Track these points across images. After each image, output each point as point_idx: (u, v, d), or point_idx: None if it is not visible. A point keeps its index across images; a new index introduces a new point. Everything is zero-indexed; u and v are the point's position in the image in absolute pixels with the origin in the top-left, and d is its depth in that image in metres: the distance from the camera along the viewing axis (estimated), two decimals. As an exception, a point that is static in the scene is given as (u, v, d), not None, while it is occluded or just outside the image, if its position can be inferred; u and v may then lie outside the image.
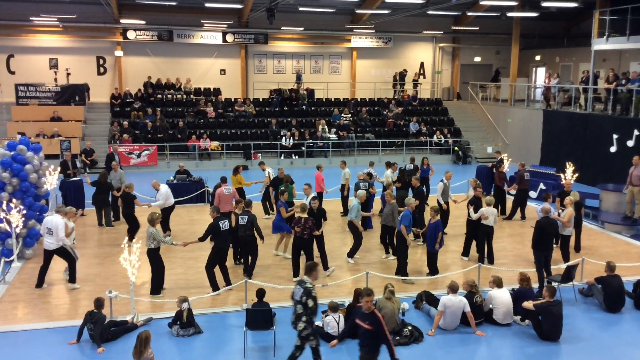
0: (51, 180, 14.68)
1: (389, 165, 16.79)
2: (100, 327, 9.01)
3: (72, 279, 11.35)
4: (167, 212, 14.45)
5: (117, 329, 9.32)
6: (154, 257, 10.81)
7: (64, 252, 11.17)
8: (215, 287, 10.90)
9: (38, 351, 8.88)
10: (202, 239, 11.08)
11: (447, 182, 14.88)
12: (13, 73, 27.80)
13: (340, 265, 12.71)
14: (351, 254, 13.01)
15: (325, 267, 12.13)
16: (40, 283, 11.24)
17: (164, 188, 14.46)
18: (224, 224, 10.95)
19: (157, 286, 10.94)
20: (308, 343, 7.93)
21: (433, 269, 12.00)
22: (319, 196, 16.12)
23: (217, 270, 11.07)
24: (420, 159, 18.32)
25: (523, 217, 16.97)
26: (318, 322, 9.51)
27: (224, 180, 14.17)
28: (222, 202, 13.32)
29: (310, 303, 7.66)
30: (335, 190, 17.47)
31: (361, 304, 7.30)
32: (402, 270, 11.81)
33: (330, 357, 8.80)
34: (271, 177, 16.31)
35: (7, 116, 25.20)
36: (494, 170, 17.89)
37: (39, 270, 11.30)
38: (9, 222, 11.93)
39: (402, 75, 32.58)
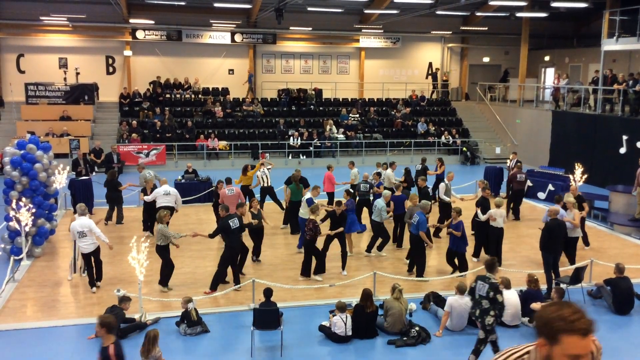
0: (60, 179, 14.77)
1: (387, 165, 16.99)
2: (118, 324, 9.06)
3: (98, 277, 11.23)
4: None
5: (126, 326, 9.36)
6: (163, 255, 10.93)
7: (97, 253, 11.10)
8: (214, 288, 10.90)
9: (47, 349, 8.93)
10: (211, 236, 11.16)
11: (448, 183, 14.92)
12: (23, 72, 27.98)
13: (348, 265, 12.68)
14: (380, 247, 13.24)
15: (343, 267, 12.24)
16: (92, 283, 11.14)
17: (160, 188, 14.18)
18: (234, 222, 10.93)
19: (165, 278, 11.10)
20: (490, 336, 8.19)
21: (463, 267, 12.00)
22: (330, 196, 16.26)
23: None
24: (435, 160, 18.43)
25: (517, 218, 16.81)
26: (325, 322, 9.53)
27: (228, 181, 14.28)
28: (226, 203, 13.32)
29: (500, 298, 8.03)
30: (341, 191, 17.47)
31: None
32: (421, 271, 11.89)
33: (338, 358, 8.82)
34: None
35: (17, 115, 25.37)
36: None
37: (87, 273, 11.20)
38: (18, 221, 12.00)
39: (435, 75, 32.93)
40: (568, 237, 12.42)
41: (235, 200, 13.50)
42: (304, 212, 13.23)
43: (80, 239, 10.94)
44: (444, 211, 14.50)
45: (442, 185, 14.85)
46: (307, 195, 13.57)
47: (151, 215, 14.12)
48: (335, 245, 12.12)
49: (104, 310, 9.38)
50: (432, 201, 16.18)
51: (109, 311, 9.22)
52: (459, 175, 17.31)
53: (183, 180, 18.49)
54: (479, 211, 12.94)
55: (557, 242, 11.23)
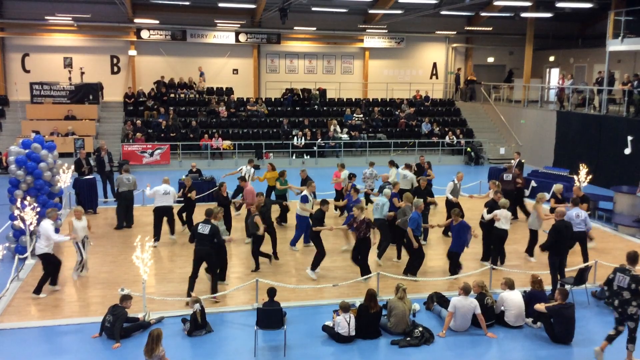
0: (65, 178, 14.80)
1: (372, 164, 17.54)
2: (121, 323, 9.09)
3: (36, 289, 10.75)
4: (158, 212, 13.99)
5: (129, 325, 9.37)
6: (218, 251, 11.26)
7: (43, 258, 10.90)
8: (214, 291, 10.68)
9: (51, 347, 8.96)
10: (190, 240, 11.15)
11: (457, 183, 14.83)
12: (28, 72, 28.09)
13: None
14: (380, 255, 12.93)
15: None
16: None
17: (159, 187, 14.04)
18: (204, 229, 10.57)
19: (221, 273, 11.36)
20: (630, 324, 8.42)
21: (454, 269, 11.92)
22: (337, 194, 16.43)
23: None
24: (422, 160, 18.38)
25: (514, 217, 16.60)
26: (328, 322, 9.52)
27: (243, 179, 14.87)
28: (250, 199, 13.82)
29: None
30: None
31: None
32: (412, 269, 11.86)
33: (341, 358, 8.81)
34: (244, 173, 16.58)
35: (22, 114, 25.45)
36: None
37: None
38: (23, 220, 12.03)
39: (457, 75, 33.19)
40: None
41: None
42: (299, 209, 13.29)
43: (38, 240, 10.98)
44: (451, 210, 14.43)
45: (449, 185, 14.79)
46: (304, 192, 13.61)
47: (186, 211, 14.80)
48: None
49: (107, 309, 9.41)
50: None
51: (110, 310, 9.25)
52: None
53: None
54: (484, 212, 12.89)
55: (564, 243, 11.17)
